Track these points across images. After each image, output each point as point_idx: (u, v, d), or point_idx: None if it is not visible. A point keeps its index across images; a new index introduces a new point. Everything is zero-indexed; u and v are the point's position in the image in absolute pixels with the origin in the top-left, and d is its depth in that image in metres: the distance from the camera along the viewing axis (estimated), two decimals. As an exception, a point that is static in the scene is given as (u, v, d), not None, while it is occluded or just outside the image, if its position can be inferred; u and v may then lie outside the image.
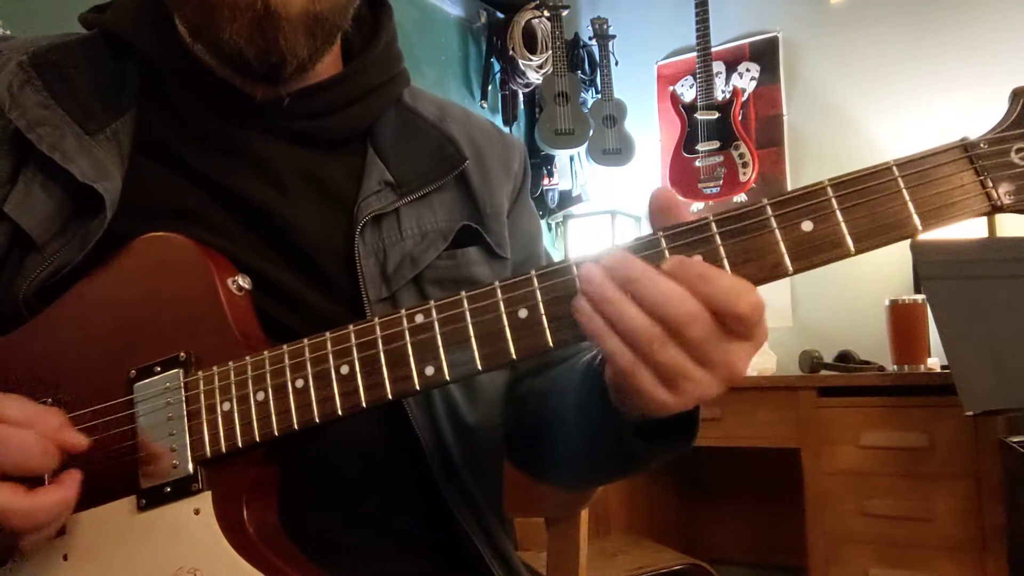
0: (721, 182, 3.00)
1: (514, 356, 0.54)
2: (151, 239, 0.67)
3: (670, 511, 2.92)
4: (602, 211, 3.22)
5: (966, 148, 0.49)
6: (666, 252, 0.52)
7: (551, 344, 0.54)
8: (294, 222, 0.71)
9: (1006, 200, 0.48)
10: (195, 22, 0.68)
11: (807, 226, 0.50)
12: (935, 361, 2.33)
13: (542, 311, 0.54)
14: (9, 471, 0.56)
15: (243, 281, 0.65)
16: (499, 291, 0.55)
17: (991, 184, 0.49)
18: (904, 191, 0.49)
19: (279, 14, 0.66)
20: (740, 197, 2.99)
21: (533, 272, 0.55)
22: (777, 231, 0.50)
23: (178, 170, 0.72)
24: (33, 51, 0.72)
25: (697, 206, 3.10)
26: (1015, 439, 1.95)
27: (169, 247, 0.66)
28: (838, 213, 0.50)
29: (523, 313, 0.54)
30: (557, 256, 0.80)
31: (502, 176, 0.83)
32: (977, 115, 2.63)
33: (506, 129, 1.34)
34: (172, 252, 0.66)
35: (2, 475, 0.56)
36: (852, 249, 0.50)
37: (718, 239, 0.51)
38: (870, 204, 0.50)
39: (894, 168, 0.50)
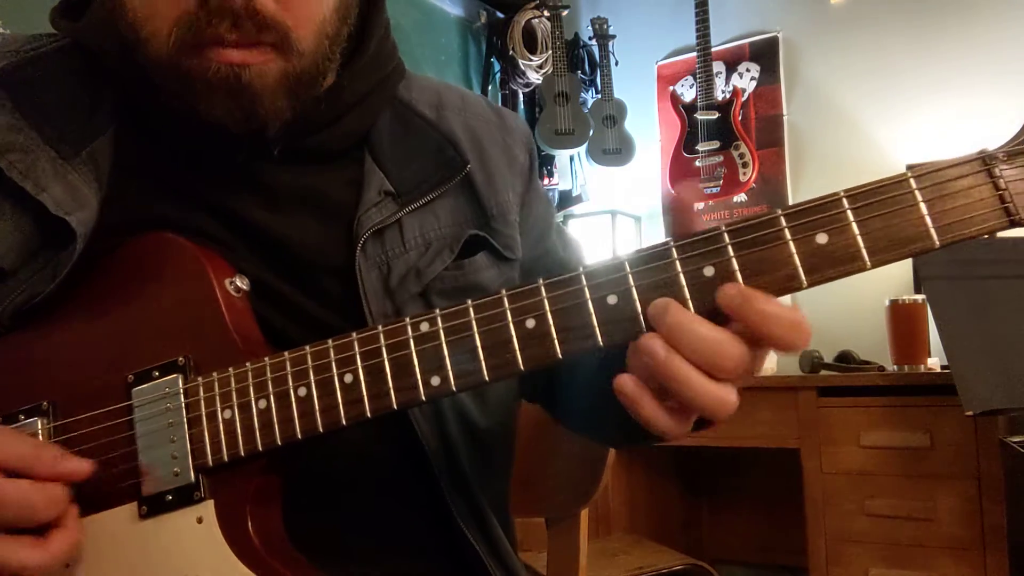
0: (721, 182, 3.00)
1: (522, 367, 0.53)
2: (146, 238, 0.65)
3: (671, 511, 2.92)
4: (602, 211, 3.21)
5: (985, 161, 0.47)
6: (677, 263, 0.51)
7: (560, 356, 0.52)
8: (292, 242, 0.69)
9: None
10: (170, 88, 0.64)
11: (822, 238, 0.48)
12: (935, 361, 2.32)
13: (550, 321, 0.52)
14: (14, 526, 0.56)
15: (240, 282, 0.64)
16: (506, 300, 0.53)
17: (1010, 198, 0.47)
18: (921, 204, 0.47)
19: (254, 86, 0.62)
20: (740, 197, 3.00)
21: (541, 281, 0.53)
22: (791, 243, 0.48)
23: (164, 190, 0.69)
24: (2, 68, 0.68)
25: (697, 206, 3.11)
26: (1015, 439, 1.95)
27: (165, 247, 0.64)
28: (854, 225, 0.47)
29: (531, 323, 0.52)
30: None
31: (507, 172, 0.80)
32: (977, 115, 2.63)
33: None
34: (168, 252, 0.64)
35: (7, 528, 0.56)
36: (868, 263, 0.47)
37: (731, 250, 0.49)
38: (887, 216, 0.47)
39: (911, 180, 0.47)
